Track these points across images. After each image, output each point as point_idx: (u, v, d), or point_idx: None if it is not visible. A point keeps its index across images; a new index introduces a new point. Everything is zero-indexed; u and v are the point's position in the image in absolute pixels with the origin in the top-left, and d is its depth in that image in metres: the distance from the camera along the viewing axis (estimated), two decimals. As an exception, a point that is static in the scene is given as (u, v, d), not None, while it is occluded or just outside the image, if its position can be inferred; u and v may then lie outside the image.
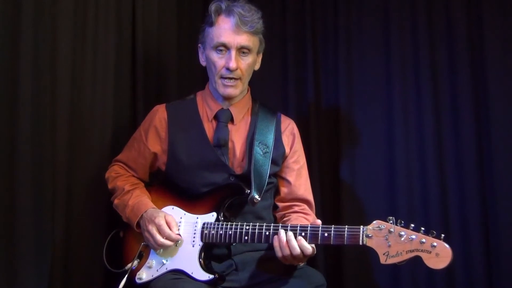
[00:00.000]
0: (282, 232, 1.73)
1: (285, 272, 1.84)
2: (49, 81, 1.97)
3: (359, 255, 2.45)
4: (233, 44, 1.94)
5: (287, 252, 1.71)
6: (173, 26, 2.59)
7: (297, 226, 1.73)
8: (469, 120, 2.42)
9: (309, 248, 1.70)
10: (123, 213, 1.99)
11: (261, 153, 1.97)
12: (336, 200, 2.55)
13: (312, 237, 1.70)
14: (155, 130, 2.06)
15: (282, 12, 2.71)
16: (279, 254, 1.74)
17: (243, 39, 1.94)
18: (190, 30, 2.63)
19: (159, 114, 2.07)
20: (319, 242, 1.70)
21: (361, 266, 2.47)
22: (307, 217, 2.00)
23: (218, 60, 1.97)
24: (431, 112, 2.46)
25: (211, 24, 1.98)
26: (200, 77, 2.37)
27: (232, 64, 1.93)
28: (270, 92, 2.67)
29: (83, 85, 2.14)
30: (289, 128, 2.11)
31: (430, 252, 1.55)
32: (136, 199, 1.97)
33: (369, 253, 2.44)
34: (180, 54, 2.59)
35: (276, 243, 1.74)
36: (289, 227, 1.74)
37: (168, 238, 1.84)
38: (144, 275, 1.89)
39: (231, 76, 1.96)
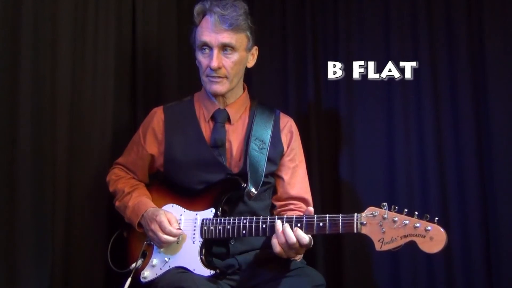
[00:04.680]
0: (278, 222, 1.74)
1: (285, 271, 1.84)
2: (49, 82, 1.97)
3: (359, 255, 2.45)
4: (214, 43, 1.94)
5: (282, 240, 1.72)
6: (173, 27, 2.59)
7: (292, 217, 1.74)
8: (469, 120, 2.42)
9: (305, 237, 1.71)
10: (125, 214, 2.00)
11: (257, 149, 1.97)
12: (336, 198, 2.54)
13: (307, 227, 1.71)
14: (152, 132, 2.07)
15: (282, 11, 2.71)
16: (276, 247, 1.75)
17: (223, 37, 1.94)
18: (190, 31, 2.63)
19: (157, 116, 2.08)
20: (314, 232, 1.71)
21: (361, 266, 2.47)
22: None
23: (203, 59, 1.98)
24: (431, 111, 2.46)
25: (196, 24, 2.00)
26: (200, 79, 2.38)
27: (213, 63, 1.93)
28: (270, 90, 2.67)
29: (83, 86, 2.14)
30: (288, 126, 2.11)
31: (425, 236, 1.54)
32: (136, 199, 1.98)
33: (369, 253, 2.46)
34: (180, 55, 2.58)
35: (273, 239, 1.76)
36: (284, 218, 1.75)
37: (169, 234, 1.85)
38: (148, 274, 1.90)
39: (214, 75, 1.97)
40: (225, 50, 1.96)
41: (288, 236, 1.71)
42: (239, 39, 1.97)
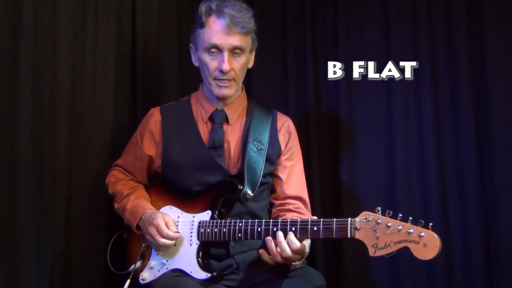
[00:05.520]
0: (270, 242, 1.73)
1: (285, 272, 1.84)
2: (49, 82, 1.97)
3: (359, 255, 2.45)
4: (225, 46, 1.92)
5: (278, 259, 1.73)
6: (173, 27, 2.59)
7: (287, 221, 1.73)
8: (469, 120, 2.42)
9: (296, 243, 1.70)
10: (123, 216, 2.00)
11: (255, 150, 1.97)
12: (336, 198, 2.54)
13: (302, 232, 1.70)
14: (150, 134, 2.06)
15: (282, 11, 2.71)
16: (270, 262, 1.76)
17: (235, 40, 1.93)
18: (191, 31, 2.63)
19: (154, 117, 2.08)
20: (309, 237, 1.71)
21: (361, 266, 2.47)
22: (301, 217, 1.98)
23: (211, 61, 1.95)
24: (431, 111, 2.46)
25: (202, 25, 1.96)
26: (201, 79, 2.37)
27: (226, 66, 1.92)
28: (270, 90, 2.67)
29: (83, 86, 2.14)
30: (285, 126, 2.10)
31: (418, 243, 1.52)
32: (134, 201, 1.98)
33: (368, 254, 2.45)
34: (180, 55, 2.58)
35: (265, 257, 1.76)
36: (279, 223, 1.74)
37: (167, 237, 1.84)
38: (146, 276, 1.90)
39: (224, 77, 1.95)
40: (235, 52, 1.95)
41: (282, 249, 1.70)
42: (247, 41, 1.98)
